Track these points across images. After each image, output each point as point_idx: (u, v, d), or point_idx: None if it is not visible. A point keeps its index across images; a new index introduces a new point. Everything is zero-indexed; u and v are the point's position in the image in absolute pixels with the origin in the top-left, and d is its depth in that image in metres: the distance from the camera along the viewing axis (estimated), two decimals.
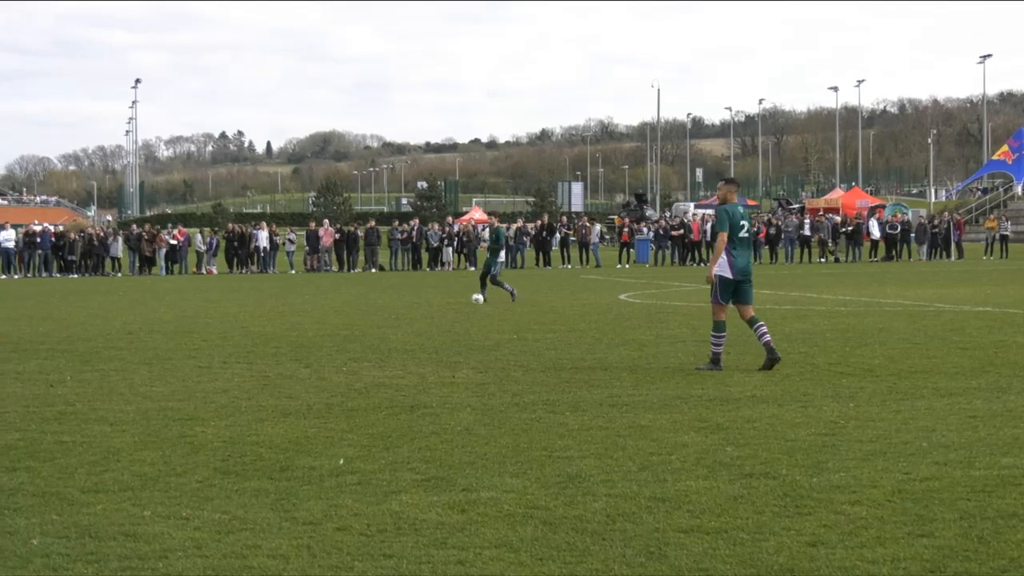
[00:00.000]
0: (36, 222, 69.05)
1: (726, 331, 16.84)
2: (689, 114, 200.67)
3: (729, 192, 17.53)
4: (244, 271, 60.45)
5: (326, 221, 67.03)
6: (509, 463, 10.31)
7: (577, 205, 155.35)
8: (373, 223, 64.85)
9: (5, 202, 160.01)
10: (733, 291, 16.86)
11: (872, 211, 75.26)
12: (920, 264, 59.83)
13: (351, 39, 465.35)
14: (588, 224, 64.81)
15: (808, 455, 10.51)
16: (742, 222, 16.93)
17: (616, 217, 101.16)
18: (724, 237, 16.72)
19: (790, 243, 64.39)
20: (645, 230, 67.10)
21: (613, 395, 14.31)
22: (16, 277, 58.36)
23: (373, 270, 60.15)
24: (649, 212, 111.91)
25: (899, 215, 71.06)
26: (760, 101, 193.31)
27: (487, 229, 44.55)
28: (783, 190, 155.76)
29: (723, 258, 16.78)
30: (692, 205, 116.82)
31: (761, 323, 16.83)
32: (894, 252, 64.49)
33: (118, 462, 10.56)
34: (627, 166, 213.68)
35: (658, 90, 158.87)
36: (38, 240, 60.11)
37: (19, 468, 10.36)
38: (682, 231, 63.44)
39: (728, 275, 16.74)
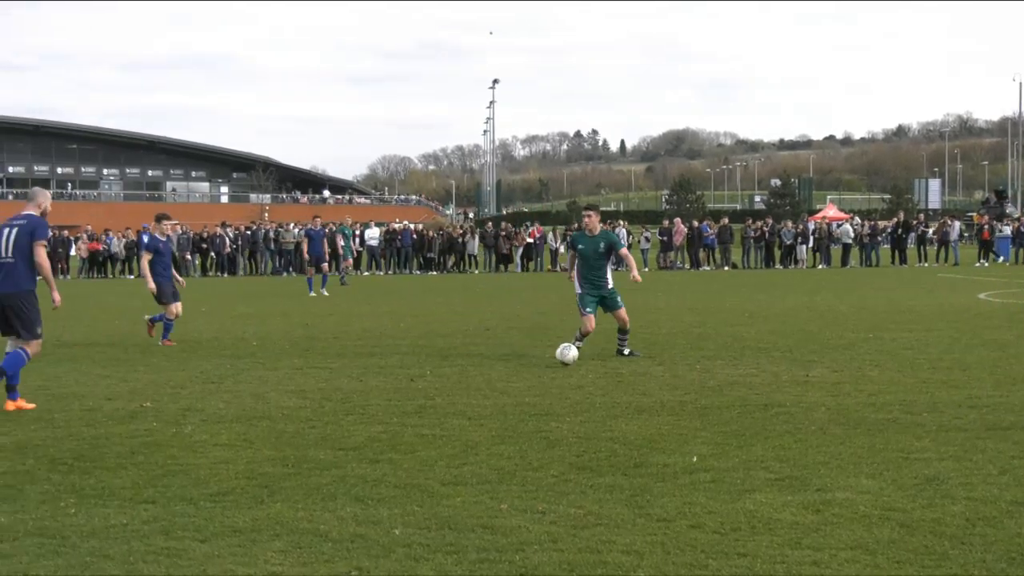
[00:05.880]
0: (397, 220, 71.11)
1: None
2: None
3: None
4: None
5: (678, 220, 66.98)
6: (864, 464, 10.18)
7: (934, 202, 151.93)
8: (726, 220, 64.58)
9: (368, 201, 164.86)
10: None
11: None
12: None
13: (705, 38, 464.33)
14: (948, 221, 63.30)
15: None
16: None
17: (975, 214, 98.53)
18: None
19: None
20: (1006, 228, 65.09)
21: (972, 396, 13.96)
22: (379, 274, 60.23)
23: (725, 268, 59.93)
24: (1010, 209, 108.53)
25: None
26: None
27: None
28: None
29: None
30: None
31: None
32: None
33: (476, 456, 10.82)
34: (987, 162, 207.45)
35: (1020, 83, 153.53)
36: (399, 238, 61.93)
37: (382, 460, 10.71)
38: None
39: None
